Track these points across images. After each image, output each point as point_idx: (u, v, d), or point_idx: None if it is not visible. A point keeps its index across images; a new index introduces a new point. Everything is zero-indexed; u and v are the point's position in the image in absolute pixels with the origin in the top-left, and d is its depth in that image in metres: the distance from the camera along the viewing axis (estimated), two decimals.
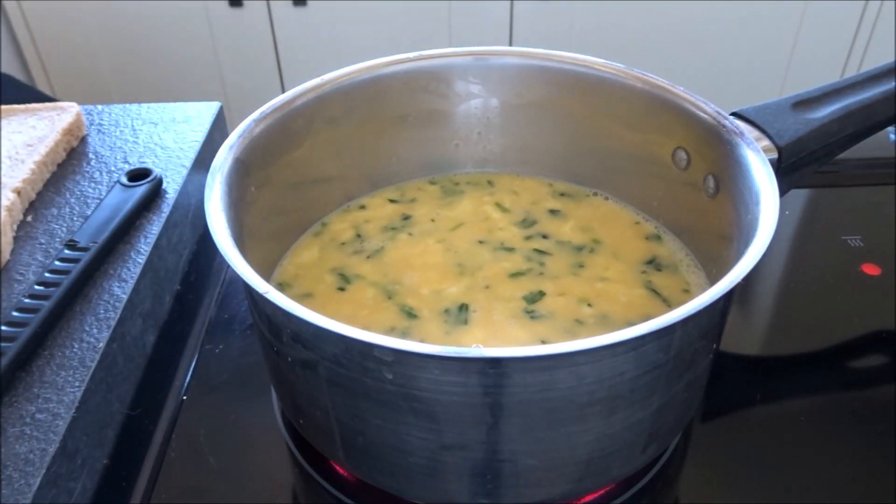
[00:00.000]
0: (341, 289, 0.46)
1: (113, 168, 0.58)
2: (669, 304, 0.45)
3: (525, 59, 0.51)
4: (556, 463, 0.36)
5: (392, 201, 0.53)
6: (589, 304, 0.44)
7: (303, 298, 0.45)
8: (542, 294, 0.45)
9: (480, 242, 0.49)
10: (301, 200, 0.50)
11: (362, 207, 0.53)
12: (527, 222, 0.51)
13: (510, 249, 0.49)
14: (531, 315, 0.43)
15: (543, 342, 0.41)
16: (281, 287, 0.46)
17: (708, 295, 0.31)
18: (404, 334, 0.42)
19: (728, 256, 0.41)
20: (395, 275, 0.47)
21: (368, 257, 0.48)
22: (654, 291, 0.45)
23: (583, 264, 0.47)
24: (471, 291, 0.45)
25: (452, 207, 0.53)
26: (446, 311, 0.44)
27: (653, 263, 0.47)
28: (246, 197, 0.42)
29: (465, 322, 0.43)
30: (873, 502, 0.40)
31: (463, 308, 0.43)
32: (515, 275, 0.46)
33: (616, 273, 0.47)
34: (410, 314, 0.44)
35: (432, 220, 0.51)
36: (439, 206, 0.53)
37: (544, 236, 0.50)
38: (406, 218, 0.52)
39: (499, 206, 0.53)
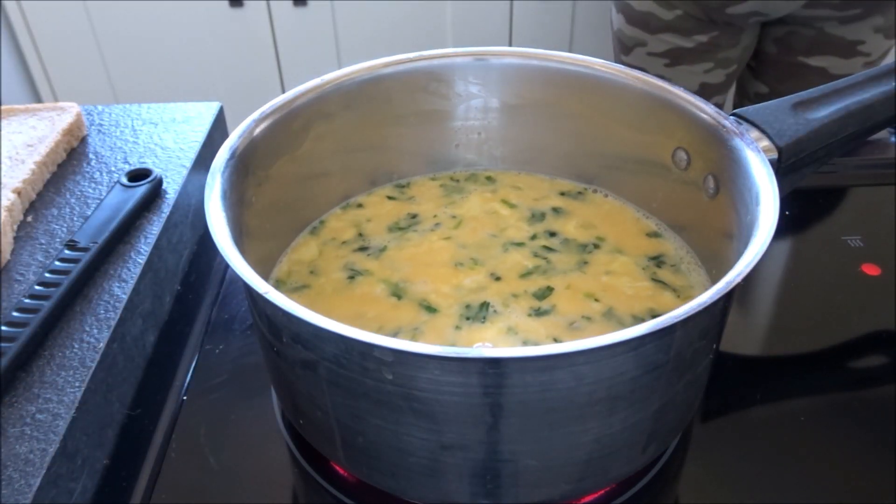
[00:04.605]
0: (350, 278, 0.46)
1: (113, 168, 0.58)
2: (678, 294, 0.45)
3: (525, 59, 0.51)
4: (555, 463, 0.36)
5: (390, 198, 0.54)
6: (596, 300, 0.44)
7: (306, 295, 0.45)
8: (550, 290, 0.45)
9: (493, 236, 0.50)
10: (300, 199, 0.50)
11: (360, 206, 0.53)
12: (535, 218, 0.51)
13: (520, 244, 0.49)
14: (541, 312, 0.43)
15: (556, 340, 0.42)
16: (279, 285, 0.46)
17: (708, 295, 0.31)
18: (416, 330, 0.43)
19: (728, 256, 0.41)
20: (407, 271, 0.47)
21: (370, 255, 0.48)
22: (661, 282, 0.46)
23: (588, 261, 0.47)
24: (486, 286, 0.45)
25: (459, 205, 0.53)
26: (467, 306, 0.44)
27: (655, 260, 0.48)
28: (246, 197, 0.42)
29: (483, 320, 0.43)
30: (873, 502, 0.40)
31: (484, 306, 0.44)
32: (526, 274, 0.46)
33: (620, 266, 0.47)
34: (430, 309, 0.44)
35: (435, 216, 0.52)
36: (444, 203, 0.53)
37: (552, 234, 0.50)
38: (413, 216, 0.52)
39: (505, 202, 0.53)
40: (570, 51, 0.50)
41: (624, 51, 1.02)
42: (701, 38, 0.94)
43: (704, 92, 0.99)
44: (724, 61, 0.97)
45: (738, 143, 0.41)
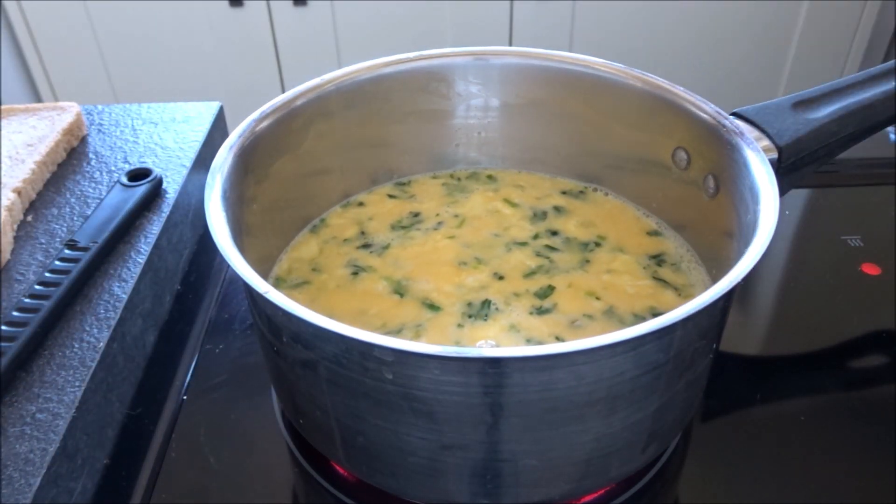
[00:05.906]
0: (354, 274, 0.47)
1: (113, 168, 0.58)
2: (679, 293, 0.45)
3: (525, 59, 0.51)
4: (555, 463, 0.36)
5: (391, 197, 0.54)
6: (597, 298, 0.44)
7: (307, 291, 0.45)
8: (551, 288, 0.45)
9: (496, 236, 0.50)
10: (301, 198, 0.50)
11: (361, 204, 0.53)
12: (537, 217, 0.51)
13: (523, 244, 0.49)
14: (542, 310, 0.44)
15: (558, 338, 0.42)
16: (279, 282, 0.46)
17: (708, 295, 0.31)
18: (420, 327, 0.43)
19: (729, 255, 0.41)
20: (410, 269, 0.47)
21: (373, 252, 0.48)
22: (662, 281, 0.46)
23: (589, 260, 0.48)
24: (488, 285, 0.45)
25: (461, 204, 0.53)
26: (469, 304, 0.44)
27: (656, 259, 0.48)
28: (246, 196, 0.42)
29: (486, 318, 0.43)
30: (873, 502, 0.40)
31: (486, 304, 0.44)
32: (529, 274, 0.46)
33: (621, 265, 0.47)
34: (432, 307, 0.44)
35: (438, 215, 0.52)
36: (446, 202, 0.53)
37: (553, 232, 0.50)
38: (415, 215, 0.52)
39: (507, 201, 0.53)
40: (570, 51, 0.50)
41: None
42: None
43: None
44: None
45: (738, 142, 0.41)
